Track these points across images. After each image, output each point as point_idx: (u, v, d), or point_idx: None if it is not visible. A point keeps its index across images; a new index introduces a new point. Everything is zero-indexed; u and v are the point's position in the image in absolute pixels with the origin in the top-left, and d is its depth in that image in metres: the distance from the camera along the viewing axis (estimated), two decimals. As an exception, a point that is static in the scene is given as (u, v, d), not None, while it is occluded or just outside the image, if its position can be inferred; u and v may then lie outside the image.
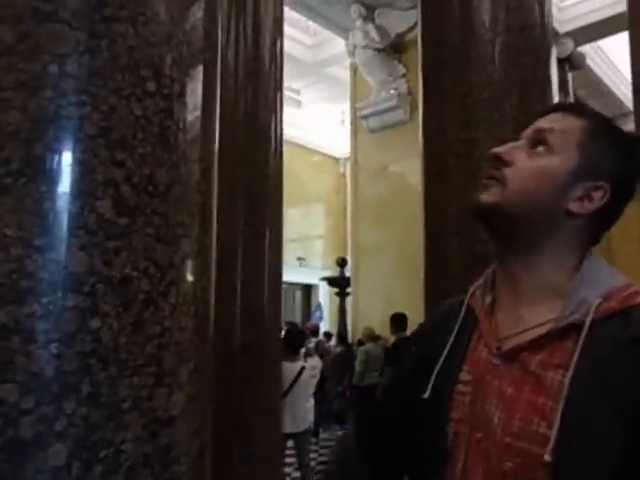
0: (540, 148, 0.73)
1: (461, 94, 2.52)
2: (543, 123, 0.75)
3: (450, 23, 2.63)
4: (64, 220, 0.72)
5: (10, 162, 0.70)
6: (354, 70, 7.33)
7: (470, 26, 2.58)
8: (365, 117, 7.00)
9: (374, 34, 6.71)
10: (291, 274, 10.17)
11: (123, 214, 0.76)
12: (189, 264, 0.87)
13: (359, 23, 6.68)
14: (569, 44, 7.28)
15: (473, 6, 2.58)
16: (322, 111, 9.46)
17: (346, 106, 7.89)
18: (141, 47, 0.82)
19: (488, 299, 0.77)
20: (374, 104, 6.93)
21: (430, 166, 2.65)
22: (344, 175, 9.76)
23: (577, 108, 0.79)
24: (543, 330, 0.68)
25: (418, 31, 2.94)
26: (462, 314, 0.78)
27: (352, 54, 6.98)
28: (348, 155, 8.31)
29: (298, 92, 9.00)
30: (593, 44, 7.82)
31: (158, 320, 0.80)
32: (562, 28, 7.25)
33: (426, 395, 0.75)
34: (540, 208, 0.71)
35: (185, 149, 0.88)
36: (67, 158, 0.73)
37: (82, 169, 0.74)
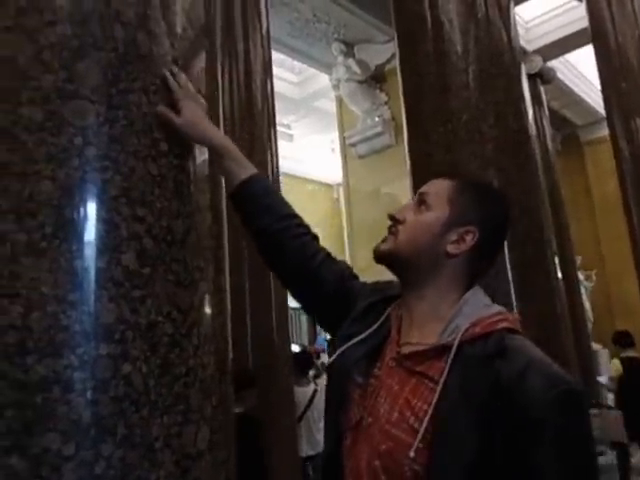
0: (422, 207, 0.88)
1: (442, 120, 2.58)
2: (424, 188, 0.92)
3: (425, 55, 2.71)
4: (93, 275, 0.76)
5: (44, 227, 0.74)
6: (339, 102, 7.45)
7: (444, 57, 2.65)
8: (354, 144, 7.10)
9: (355, 68, 6.84)
10: (295, 299, 10.11)
11: (146, 264, 0.80)
12: (208, 305, 0.91)
13: (340, 59, 6.82)
14: (538, 60, 7.42)
15: (445, 39, 2.66)
16: (313, 142, 9.58)
17: (335, 135, 8.00)
18: (153, 112, 0.87)
19: (399, 313, 0.90)
20: (361, 132, 7.03)
21: (418, 187, 2.69)
22: (338, 200, 9.83)
23: (448, 173, 0.98)
24: (421, 348, 0.81)
25: (396, 63, 3.03)
26: (383, 318, 0.91)
27: (337, 87, 7.11)
28: (341, 181, 8.39)
29: (289, 126, 9.13)
30: (561, 58, 7.98)
31: (183, 360, 0.83)
32: (530, 46, 7.41)
33: (329, 360, 0.92)
34: (423, 252, 0.86)
35: (198, 199, 0.92)
36: (93, 218, 0.77)
37: (107, 227, 0.78)
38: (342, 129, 7.38)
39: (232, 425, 0.97)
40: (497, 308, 0.84)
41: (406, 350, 0.83)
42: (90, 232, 0.76)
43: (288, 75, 8.47)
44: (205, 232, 0.92)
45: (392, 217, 0.90)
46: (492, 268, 0.93)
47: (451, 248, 0.85)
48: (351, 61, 6.85)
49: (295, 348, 5.20)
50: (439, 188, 0.89)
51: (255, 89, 3.41)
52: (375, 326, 0.89)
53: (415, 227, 0.87)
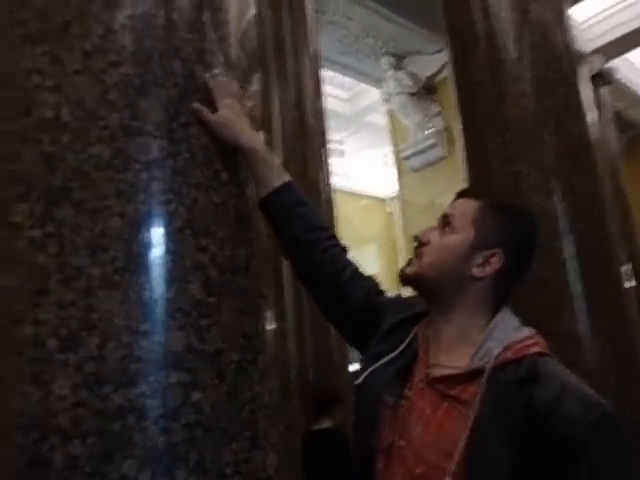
0: (447, 229, 0.88)
1: (499, 129, 2.51)
2: (448, 209, 0.91)
3: (478, 64, 2.66)
4: (163, 305, 0.78)
5: (116, 261, 0.77)
6: (391, 115, 7.42)
7: (498, 65, 2.59)
8: (407, 158, 7.03)
9: (406, 80, 6.81)
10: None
11: (211, 293, 0.82)
12: (271, 330, 0.91)
13: (390, 72, 6.81)
14: (597, 61, 7.12)
15: (499, 46, 2.60)
16: (365, 157, 9.58)
17: (387, 149, 7.97)
18: (213, 143, 0.89)
19: (427, 333, 0.89)
20: (414, 144, 6.96)
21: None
22: (392, 214, 9.75)
23: (473, 193, 0.95)
24: (454, 372, 0.81)
25: (449, 73, 2.99)
26: (410, 338, 0.89)
27: (387, 101, 7.09)
28: (394, 194, 8.32)
29: (341, 142, 9.18)
30: (622, 57, 7.63)
31: (249, 387, 0.84)
32: (590, 46, 7.13)
33: (358, 382, 0.89)
34: (448, 275, 0.85)
35: (257, 225, 0.94)
36: (160, 251, 0.79)
37: (174, 258, 0.80)
38: (394, 143, 7.34)
39: (299, 451, 0.97)
40: (527, 331, 0.83)
41: (437, 373, 0.83)
42: (158, 264, 0.79)
43: (338, 92, 8.54)
44: (265, 258, 0.93)
45: (417, 239, 0.89)
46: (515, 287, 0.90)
47: (477, 271, 0.85)
48: (401, 74, 6.82)
49: (355, 367, 5.14)
50: (464, 209, 0.89)
51: (306, 109, 3.45)
52: (403, 346, 0.89)
53: (440, 249, 0.86)
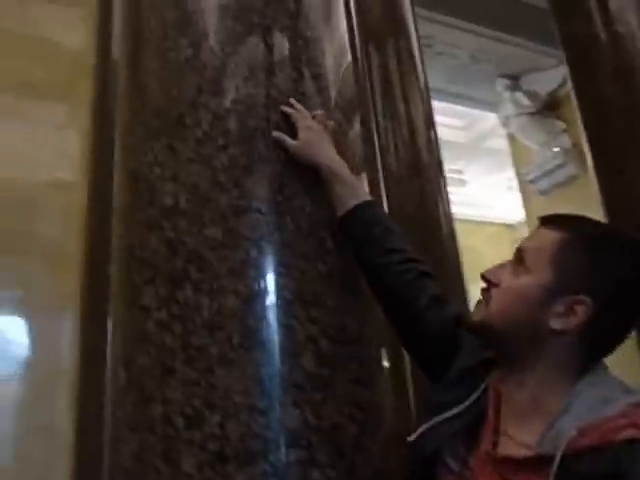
0: (521, 267, 0.71)
1: (635, 145, 2.26)
2: (524, 241, 0.74)
3: (604, 76, 2.44)
4: (278, 381, 0.78)
5: (232, 338, 0.79)
6: (511, 139, 7.07)
7: (628, 74, 2.36)
8: (532, 181, 6.61)
9: (524, 100, 6.47)
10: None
11: (324, 365, 0.80)
12: (390, 399, 0.87)
13: (507, 94, 6.52)
14: None
15: (630, 54, 2.37)
16: (487, 183, 9.20)
17: (510, 173, 7.58)
18: (317, 212, 0.90)
19: (499, 387, 0.73)
20: (539, 166, 6.53)
21: (614, 221, 2.36)
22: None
23: (558, 220, 0.74)
24: (520, 454, 0.65)
25: (570, 87, 2.78)
26: (481, 390, 0.74)
27: (506, 124, 6.78)
28: (522, 220, 7.82)
29: (460, 172, 8.92)
30: None
31: (369, 463, 0.80)
32: None
33: (411, 439, 0.73)
34: (520, 326, 0.69)
35: (367, 291, 0.91)
36: (273, 325, 0.81)
37: (286, 332, 0.81)
38: (517, 166, 6.96)
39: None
40: (623, 405, 0.62)
41: (502, 449, 0.67)
42: (271, 339, 0.80)
43: (452, 121, 8.37)
44: (379, 324, 0.90)
45: (485, 278, 0.74)
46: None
47: (556, 323, 0.67)
48: (519, 94, 6.51)
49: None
50: (542, 242, 0.71)
51: (420, 146, 3.41)
52: (471, 399, 0.73)
53: (510, 294, 0.70)
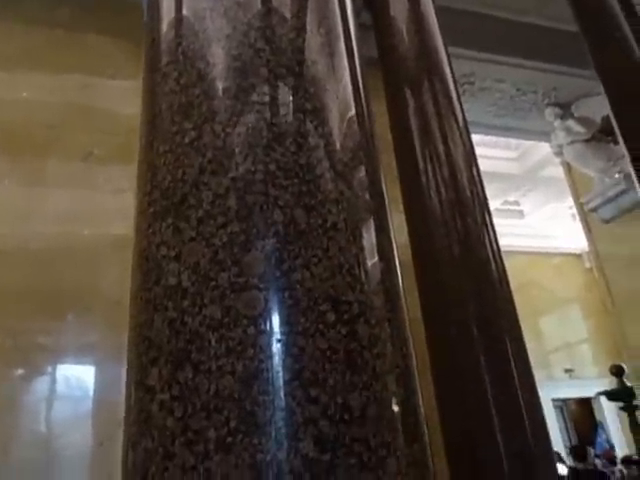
0: None
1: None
2: None
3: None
4: (275, 468, 0.75)
5: (229, 422, 0.77)
6: (567, 167, 6.79)
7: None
8: (594, 209, 6.27)
9: (577, 127, 6.23)
10: (562, 389, 8.89)
11: (325, 450, 0.77)
12: (403, 481, 0.81)
13: (557, 123, 6.30)
14: None
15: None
16: (547, 213, 8.83)
17: (570, 201, 7.25)
18: (318, 286, 0.88)
19: None
20: (600, 194, 6.20)
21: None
22: (592, 270, 8.64)
23: None
24: None
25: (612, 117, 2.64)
26: None
27: (559, 154, 6.53)
28: (587, 249, 7.42)
29: (517, 203, 8.63)
30: None
31: None
32: None
33: None
34: None
35: (374, 365, 0.87)
36: (270, 408, 0.78)
37: (284, 415, 0.78)
38: (576, 195, 6.65)
39: None
40: None
41: None
42: (268, 422, 0.77)
43: (505, 153, 8.18)
44: (388, 400, 0.85)
45: None
46: None
47: None
48: (570, 122, 6.28)
49: (561, 469, 4.37)
50: None
51: (463, 185, 3.34)
52: None
53: None
